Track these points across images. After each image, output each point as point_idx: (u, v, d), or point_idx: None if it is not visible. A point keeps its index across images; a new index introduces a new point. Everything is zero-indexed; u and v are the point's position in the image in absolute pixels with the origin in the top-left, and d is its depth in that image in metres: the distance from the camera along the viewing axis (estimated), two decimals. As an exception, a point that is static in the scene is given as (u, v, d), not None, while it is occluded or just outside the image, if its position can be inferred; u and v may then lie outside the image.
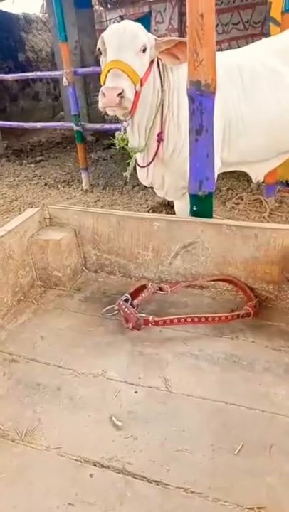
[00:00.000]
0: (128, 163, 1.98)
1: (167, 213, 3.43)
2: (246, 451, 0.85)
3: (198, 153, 1.38)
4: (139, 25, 1.72)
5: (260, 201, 3.59)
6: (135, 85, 1.65)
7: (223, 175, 2.67)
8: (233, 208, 3.62)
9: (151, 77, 1.78)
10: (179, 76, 1.83)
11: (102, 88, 1.59)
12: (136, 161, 2.05)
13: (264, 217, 3.38)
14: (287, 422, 0.91)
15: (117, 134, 1.91)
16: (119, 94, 1.56)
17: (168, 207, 3.69)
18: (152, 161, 1.98)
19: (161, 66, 1.83)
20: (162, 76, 1.84)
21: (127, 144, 1.92)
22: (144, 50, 1.68)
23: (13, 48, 7.89)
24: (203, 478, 0.80)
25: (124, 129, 1.85)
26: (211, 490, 0.78)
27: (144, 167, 2.03)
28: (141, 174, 2.10)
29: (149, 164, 2.00)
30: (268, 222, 3.25)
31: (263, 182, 3.33)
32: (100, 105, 1.62)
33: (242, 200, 3.71)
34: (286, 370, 1.05)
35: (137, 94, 1.68)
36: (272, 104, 1.97)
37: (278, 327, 1.21)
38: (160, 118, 1.88)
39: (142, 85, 1.69)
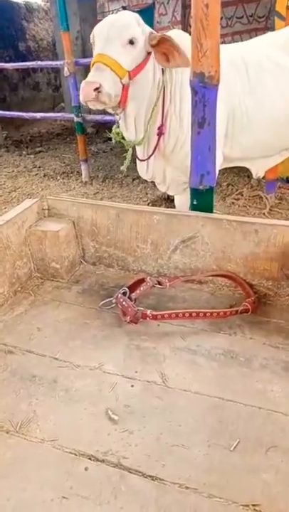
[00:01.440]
0: (124, 157, 1.96)
1: (167, 207, 3.41)
2: (242, 448, 0.84)
3: (200, 146, 1.36)
4: (133, 17, 1.69)
5: (260, 197, 3.58)
6: (121, 79, 1.63)
7: (223, 170, 2.65)
8: (232, 203, 3.60)
9: (149, 69, 1.75)
10: (183, 70, 1.80)
11: (82, 82, 1.60)
12: (136, 154, 2.04)
13: (264, 213, 3.36)
14: (284, 420, 0.90)
15: (114, 127, 1.91)
16: (96, 88, 1.56)
17: (168, 201, 3.67)
18: (152, 154, 1.96)
19: None
20: (164, 68, 1.82)
21: (123, 138, 1.91)
22: (133, 43, 1.65)
23: (14, 36, 7.79)
24: (199, 474, 0.80)
25: (117, 123, 1.84)
26: (206, 486, 0.78)
27: (143, 161, 2.01)
28: (141, 168, 2.08)
29: (149, 158, 1.98)
30: (268, 218, 3.23)
31: (263, 178, 3.32)
32: (81, 99, 1.62)
33: (242, 196, 3.70)
34: (283, 368, 1.04)
35: (124, 88, 1.66)
36: (278, 98, 1.95)
37: (277, 324, 1.20)
38: (161, 111, 1.86)
39: (131, 78, 1.67)
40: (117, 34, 1.64)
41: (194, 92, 1.30)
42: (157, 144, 1.92)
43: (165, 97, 1.84)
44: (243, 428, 0.89)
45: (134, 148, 1.99)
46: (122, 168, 2.02)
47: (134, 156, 2.02)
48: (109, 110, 1.80)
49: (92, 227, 1.48)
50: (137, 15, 1.72)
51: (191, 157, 1.38)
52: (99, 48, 1.66)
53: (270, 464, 0.81)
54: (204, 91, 1.29)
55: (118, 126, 1.88)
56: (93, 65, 1.62)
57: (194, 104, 1.32)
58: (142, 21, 1.71)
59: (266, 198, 3.52)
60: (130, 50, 1.66)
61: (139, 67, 1.70)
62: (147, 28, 1.72)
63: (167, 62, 1.70)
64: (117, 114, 1.81)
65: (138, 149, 2.01)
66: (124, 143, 1.92)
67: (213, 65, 1.26)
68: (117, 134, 1.90)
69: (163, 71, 1.81)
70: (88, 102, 1.63)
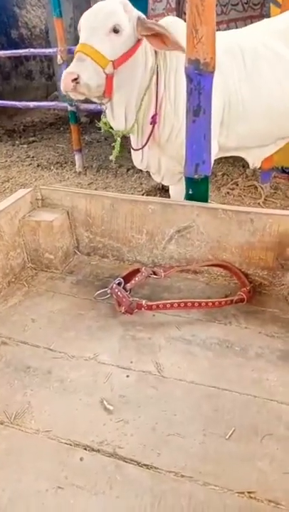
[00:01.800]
0: (113, 147, 1.96)
1: (161, 197, 3.39)
2: (237, 437, 0.85)
3: (195, 135, 1.34)
4: (119, 4, 1.65)
5: (256, 187, 3.57)
6: (104, 68, 1.62)
7: (218, 160, 2.64)
8: (228, 193, 3.59)
9: (138, 56, 1.72)
10: (178, 56, 1.77)
11: (63, 72, 1.62)
12: (130, 143, 2.02)
13: (259, 203, 3.36)
14: (279, 408, 0.91)
15: (102, 117, 1.90)
16: (74, 79, 1.58)
17: (162, 191, 3.65)
18: (146, 143, 1.94)
19: None
20: (158, 55, 1.79)
21: (111, 127, 1.89)
22: (117, 31, 1.63)
23: (6, 24, 7.63)
24: (194, 462, 0.80)
25: (104, 112, 1.84)
26: (201, 474, 0.78)
27: (137, 150, 2.00)
28: (135, 157, 2.06)
29: (143, 147, 1.96)
30: (263, 208, 3.23)
31: (258, 168, 3.30)
32: (62, 89, 1.64)
33: (237, 185, 3.68)
34: (279, 357, 1.04)
35: (108, 77, 1.65)
36: (274, 86, 1.93)
37: (272, 313, 1.20)
38: (155, 99, 1.83)
39: (115, 68, 1.65)
40: (101, 23, 1.62)
41: (189, 79, 1.28)
42: (151, 133, 1.90)
43: (159, 85, 1.81)
44: (238, 417, 0.89)
45: (125, 138, 1.98)
46: (110, 157, 2.02)
47: (127, 146, 2.00)
48: (95, 100, 1.79)
49: (87, 218, 1.46)
50: (125, 1, 1.68)
51: (186, 146, 1.36)
52: (83, 37, 1.65)
53: (265, 452, 0.82)
54: (199, 78, 1.27)
55: (105, 116, 1.87)
56: (76, 54, 1.62)
57: (189, 92, 1.30)
58: (130, 7, 1.67)
59: (261, 187, 3.51)
60: (114, 38, 1.63)
61: (126, 55, 1.67)
62: (135, 14, 1.68)
63: (164, 45, 1.67)
64: (103, 104, 1.79)
65: (132, 138, 1.99)
66: (112, 132, 1.90)
67: (208, 51, 1.24)
68: (105, 123, 1.89)
69: (156, 57, 1.78)
70: (68, 92, 1.64)
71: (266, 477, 0.77)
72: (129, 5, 1.68)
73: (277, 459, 0.80)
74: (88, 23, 1.65)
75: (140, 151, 1.98)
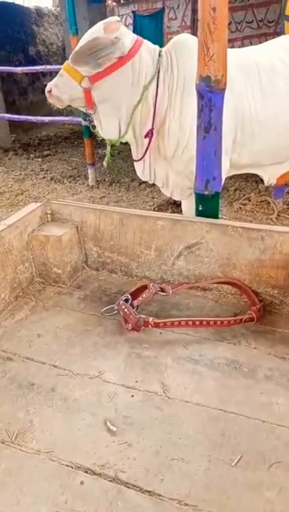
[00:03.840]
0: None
1: (173, 212, 3.39)
2: (244, 464, 0.81)
3: (206, 151, 1.34)
4: (103, 25, 1.77)
5: (268, 203, 3.54)
6: (79, 83, 1.82)
7: (231, 175, 2.63)
8: (240, 208, 3.57)
9: (125, 73, 1.81)
10: (185, 76, 1.81)
11: None
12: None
13: (271, 219, 3.33)
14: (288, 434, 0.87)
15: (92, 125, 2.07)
16: (48, 91, 1.91)
17: (174, 205, 3.65)
18: (144, 156, 2.00)
19: (164, 64, 1.83)
20: (163, 74, 1.83)
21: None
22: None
23: (24, 41, 7.85)
24: (198, 490, 0.77)
25: (93, 121, 2.01)
26: (206, 503, 0.75)
27: (137, 161, 2.06)
28: (137, 168, 2.14)
29: (140, 159, 2.02)
30: (275, 224, 3.20)
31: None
32: None
33: (249, 201, 3.66)
34: (289, 379, 1.01)
35: (86, 91, 1.84)
36: None
37: (282, 334, 1.17)
38: (152, 115, 1.86)
39: (92, 83, 1.81)
40: (81, 43, 1.80)
41: (200, 96, 1.28)
42: (148, 147, 1.94)
43: (159, 102, 1.86)
44: (245, 442, 0.86)
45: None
46: (103, 163, 2.15)
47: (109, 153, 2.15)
48: (82, 109, 1.99)
49: (96, 232, 1.46)
50: (111, 22, 1.77)
51: (197, 162, 1.36)
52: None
53: (273, 481, 0.78)
54: (210, 95, 1.27)
55: (95, 126, 2.02)
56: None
57: (200, 109, 1.30)
58: (112, 28, 1.77)
59: (274, 203, 3.48)
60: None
61: (104, 72, 1.80)
62: (117, 34, 1.75)
63: None
64: (91, 114, 1.97)
65: (132, 150, 2.06)
66: (105, 140, 2.03)
67: (220, 69, 1.24)
68: (98, 131, 2.04)
69: (159, 75, 1.82)
70: (48, 99, 1.93)
71: (274, 508, 0.74)
72: (113, 26, 1.75)
73: (286, 488, 0.77)
74: (78, 43, 1.83)
75: (141, 162, 2.06)
